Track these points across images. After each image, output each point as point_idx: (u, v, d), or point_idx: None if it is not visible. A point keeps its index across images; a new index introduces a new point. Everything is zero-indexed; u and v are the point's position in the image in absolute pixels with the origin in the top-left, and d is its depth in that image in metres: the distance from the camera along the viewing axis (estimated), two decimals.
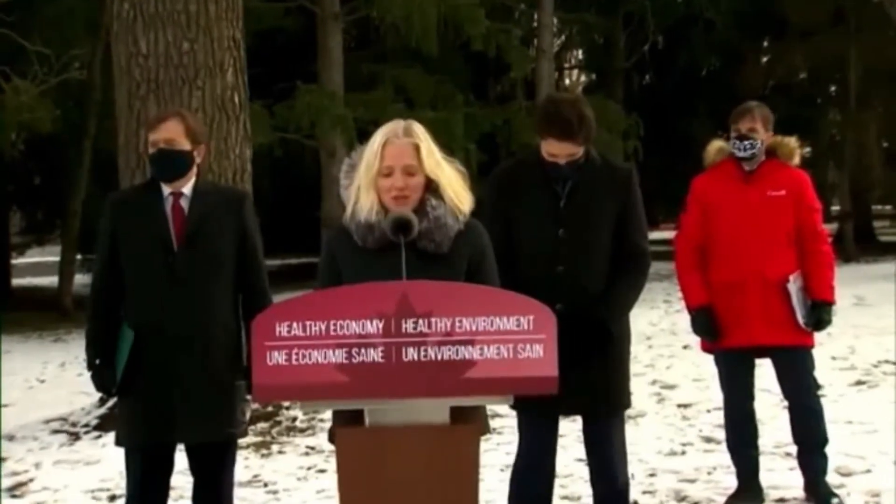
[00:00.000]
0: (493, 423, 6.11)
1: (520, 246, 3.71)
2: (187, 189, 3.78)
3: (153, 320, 3.67)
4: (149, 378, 3.67)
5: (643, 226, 3.81)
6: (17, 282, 22.41)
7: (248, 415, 4.19)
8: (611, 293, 3.67)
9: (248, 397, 3.86)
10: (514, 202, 3.74)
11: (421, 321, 2.55)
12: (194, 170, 3.81)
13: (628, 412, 3.96)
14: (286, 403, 6.76)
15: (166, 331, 3.66)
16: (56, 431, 7.13)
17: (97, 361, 3.75)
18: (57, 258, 18.91)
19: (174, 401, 3.67)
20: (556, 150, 3.65)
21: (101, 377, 3.75)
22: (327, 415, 3.35)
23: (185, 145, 3.76)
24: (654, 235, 23.31)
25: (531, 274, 3.64)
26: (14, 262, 22.82)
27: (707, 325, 4.63)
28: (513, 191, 3.76)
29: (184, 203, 3.76)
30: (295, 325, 2.54)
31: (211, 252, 3.74)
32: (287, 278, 17.10)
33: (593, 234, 3.69)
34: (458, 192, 3.07)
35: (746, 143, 4.58)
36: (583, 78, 28.13)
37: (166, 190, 3.77)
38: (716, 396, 5.29)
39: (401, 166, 2.99)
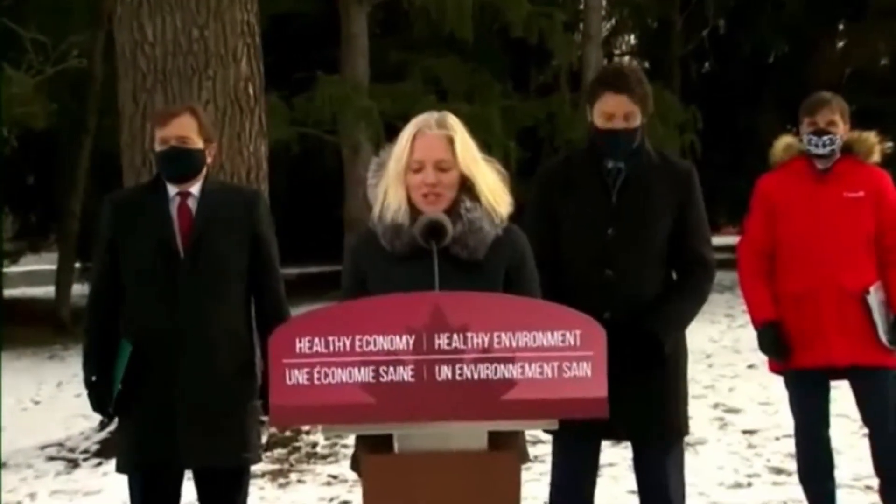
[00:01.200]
0: (532, 451, 6.10)
1: (565, 247, 3.72)
2: (195, 189, 3.82)
3: (154, 333, 3.70)
4: (149, 396, 3.70)
5: (706, 231, 3.80)
6: (9, 292, 22.55)
7: (263, 439, 4.22)
8: (665, 305, 3.66)
9: (264, 419, 3.88)
10: (560, 199, 3.75)
11: (455, 336, 2.56)
12: (205, 170, 3.85)
13: (686, 439, 3.95)
14: (306, 427, 6.78)
15: (169, 345, 3.69)
16: (52, 458, 7.19)
17: (93, 378, 3.79)
18: (53, 266, 19.07)
19: (178, 421, 3.69)
20: (612, 107, 3.67)
21: (98, 395, 3.79)
22: (351, 440, 3.36)
23: (198, 143, 3.81)
24: (715, 241, 22.98)
25: (577, 279, 3.66)
26: (6, 270, 23.03)
27: (775, 343, 4.60)
28: (559, 187, 3.77)
29: (191, 204, 3.80)
30: (316, 340, 2.56)
31: (220, 257, 3.77)
32: (306, 288, 17.15)
33: (647, 233, 3.69)
34: (495, 192, 3.07)
35: (825, 138, 4.54)
36: (635, 64, 28.06)
37: (172, 190, 3.81)
38: (786, 422, 5.25)
39: (433, 160, 2.99)
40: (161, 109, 4.68)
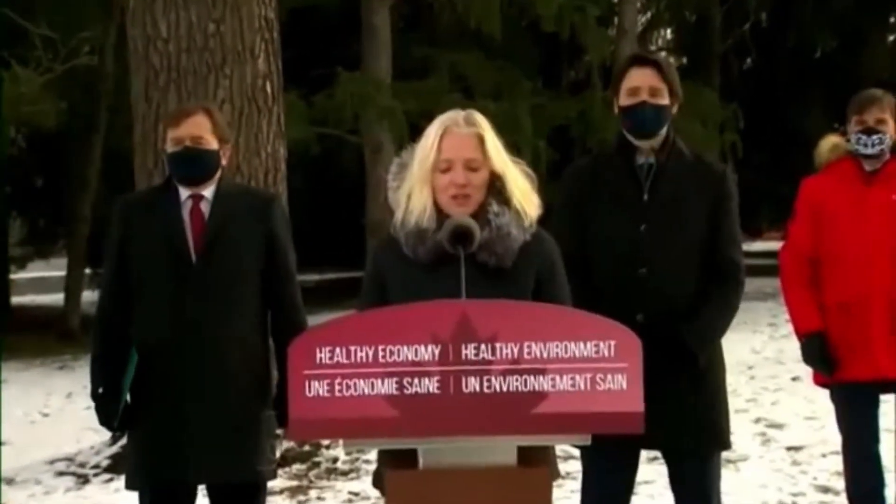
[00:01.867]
0: (563, 467, 6.09)
1: (595, 247, 3.73)
2: (209, 192, 3.84)
3: (164, 341, 3.72)
4: (159, 409, 3.73)
5: (738, 237, 3.81)
6: (16, 300, 22.78)
7: (277, 452, 4.24)
8: (698, 316, 3.66)
9: (279, 431, 3.90)
10: (588, 198, 3.77)
11: (483, 347, 2.56)
12: (219, 172, 3.87)
13: (726, 455, 3.95)
14: (326, 441, 6.80)
15: (180, 354, 3.71)
16: (61, 473, 7.24)
17: (100, 390, 3.81)
18: (62, 272, 19.20)
19: (189, 434, 3.71)
20: (638, 80, 3.71)
21: (104, 407, 3.81)
22: (373, 455, 3.37)
23: (213, 144, 3.83)
24: (757, 246, 23.11)
25: (608, 280, 3.67)
26: (13, 276, 23.21)
27: (821, 354, 4.57)
28: (587, 185, 3.79)
29: (204, 207, 3.83)
30: (338, 350, 2.57)
31: (234, 263, 3.79)
32: (326, 296, 17.20)
33: (681, 231, 3.69)
34: (525, 195, 3.08)
35: (874, 137, 4.52)
36: (672, 61, 28.00)
37: (185, 193, 3.83)
38: (832, 438, 5.23)
39: (462, 160, 3.00)
40: (174, 109, 4.71)
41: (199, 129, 3.81)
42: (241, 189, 4.19)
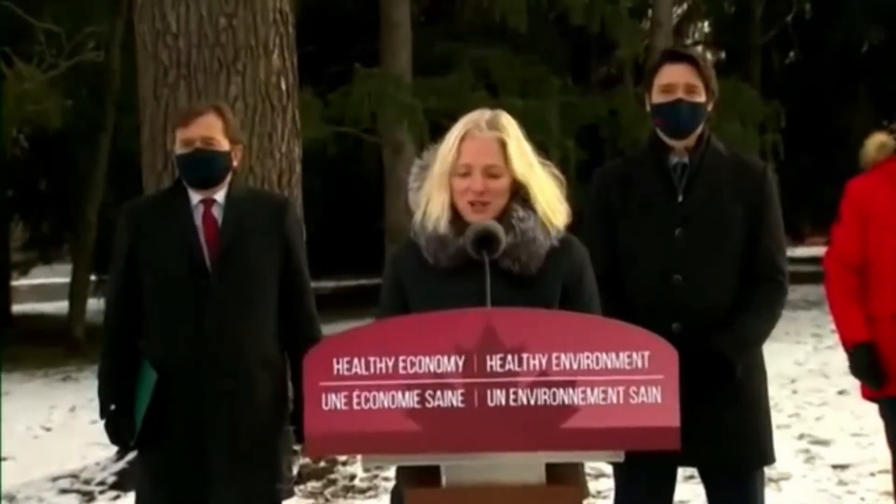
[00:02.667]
0: (594, 485, 6.08)
1: (628, 252, 3.72)
2: (220, 196, 3.85)
3: (180, 356, 3.73)
4: (175, 426, 3.74)
5: (781, 239, 3.79)
6: (18, 308, 22.91)
7: (295, 469, 4.25)
8: (736, 324, 3.64)
9: (296, 447, 3.91)
10: (619, 201, 3.76)
11: (509, 358, 2.56)
12: (230, 175, 3.88)
13: (767, 473, 3.93)
14: (343, 457, 6.81)
15: (196, 368, 3.72)
16: (65, 491, 7.26)
17: (111, 407, 3.82)
18: (66, 279, 19.30)
19: (206, 454, 3.72)
20: (672, 77, 3.70)
21: (117, 426, 3.82)
22: (392, 472, 3.37)
23: (224, 145, 3.83)
24: (800, 252, 23.00)
25: (641, 287, 3.66)
26: (15, 283, 23.34)
27: (869, 367, 4.55)
28: (618, 187, 3.78)
29: (216, 212, 3.83)
30: (356, 361, 2.57)
31: (251, 271, 3.80)
32: (343, 304, 17.23)
33: (718, 234, 3.68)
34: (551, 200, 3.08)
35: None
36: (709, 56, 27.95)
37: (195, 197, 3.84)
38: (882, 455, 5.19)
39: (481, 166, 3.00)
40: (183, 108, 4.72)
41: (211, 130, 3.81)
42: (252, 193, 4.20)
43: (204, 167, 3.81)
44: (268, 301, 3.84)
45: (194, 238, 3.79)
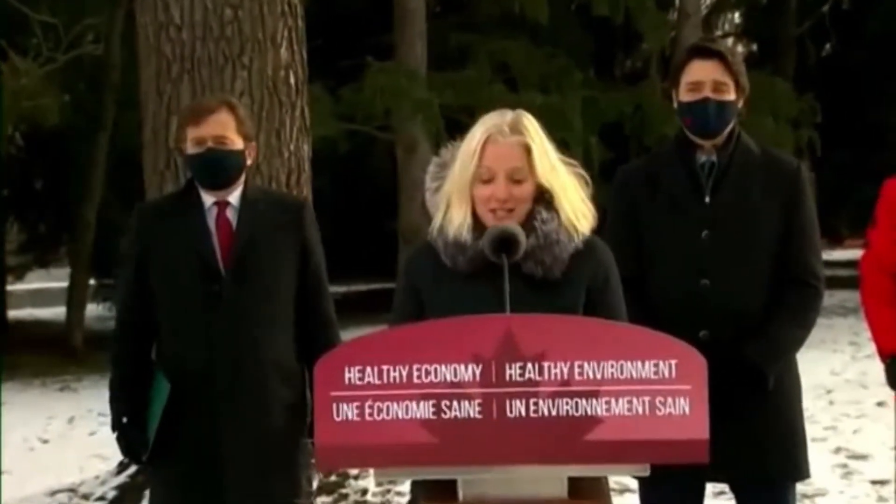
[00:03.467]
0: (618, 501, 6.06)
1: (653, 256, 3.73)
2: (234, 198, 3.86)
3: (192, 365, 3.75)
4: (189, 439, 3.75)
5: (815, 241, 3.78)
6: (13, 314, 22.98)
7: (315, 483, 4.26)
8: (768, 331, 3.64)
9: (315, 461, 3.92)
10: (644, 201, 3.77)
11: (530, 366, 2.57)
12: (244, 174, 3.90)
13: (802, 489, 3.93)
14: (354, 471, 6.82)
15: (209, 378, 3.74)
16: None
17: (123, 420, 3.84)
18: (64, 283, 19.37)
19: (221, 467, 3.74)
20: (700, 74, 3.71)
21: (129, 439, 3.84)
22: (406, 487, 3.38)
23: (237, 143, 3.84)
24: (836, 255, 22.84)
25: (667, 292, 3.67)
26: (10, 288, 23.41)
27: None
28: (643, 187, 3.79)
29: (231, 215, 3.85)
30: (369, 370, 2.58)
31: (268, 277, 3.82)
32: (355, 310, 17.22)
33: (748, 236, 3.68)
34: (575, 202, 3.08)
35: None
36: (740, 49, 27.89)
37: (208, 199, 3.85)
38: None
39: (505, 171, 3.01)
40: (193, 105, 4.70)
41: (223, 128, 3.81)
42: (268, 194, 4.20)
43: (217, 167, 3.82)
44: (284, 307, 3.85)
45: (207, 242, 3.80)
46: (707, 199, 3.71)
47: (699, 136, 3.74)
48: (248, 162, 3.91)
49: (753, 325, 3.63)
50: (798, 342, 3.74)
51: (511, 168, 3.00)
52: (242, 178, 3.89)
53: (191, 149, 3.84)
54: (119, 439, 3.86)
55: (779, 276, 3.70)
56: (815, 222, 3.79)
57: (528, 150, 3.01)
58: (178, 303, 3.79)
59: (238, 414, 3.73)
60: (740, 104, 3.78)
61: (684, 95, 3.75)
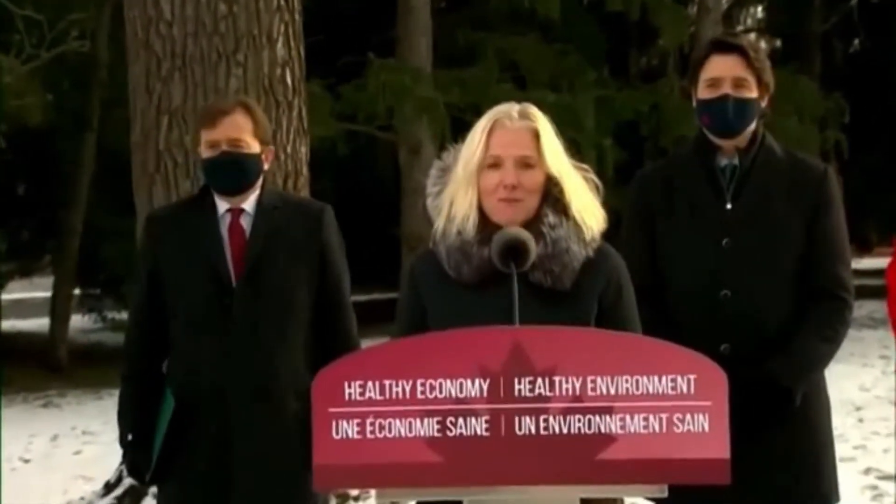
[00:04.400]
0: None
1: (670, 264, 3.73)
2: (249, 204, 3.87)
3: (203, 381, 3.76)
4: (197, 458, 3.76)
5: (844, 250, 3.77)
6: None
7: None
8: (794, 346, 3.63)
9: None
10: (661, 207, 3.77)
11: (540, 381, 2.57)
12: (261, 179, 3.90)
13: None
14: (355, 491, 6.81)
15: (220, 395, 3.75)
16: None
17: (130, 437, 3.87)
18: (48, 293, 19.37)
19: (232, 488, 3.75)
20: (719, 70, 3.70)
21: (133, 458, 3.87)
22: None
23: (254, 147, 3.84)
24: (865, 263, 22.76)
25: (685, 303, 3.66)
26: None
27: None
28: (660, 192, 3.79)
29: (245, 222, 3.85)
30: (370, 385, 2.58)
31: (283, 289, 3.82)
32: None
33: (772, 244, 3.68)
34: (586, 206, 3.07)
35: None
36: (763, 45, 27.90)
37: (222, 205, 3.86)
38: None
39: (513, 157, 3.00)
40: (208, 106, 4.68)
41: (239, 131, 3.81)
42: (286, 199, 4.13)
43: (231, 172, 3.81)
44: (300, 321, 3.85)
45: (219, 252, 3.81)
46: (728, 205, 3.71)
47: (718, 136, 3.73)
48: (265, 166, 3.91)
49: (777, 339, 3.62)
50: (826, 358, 3.72)
51: (520, 155, 3.00)
52: (259, 184, 3.89)
53: (205, 152, 3.85)
54: (124, 457, 3.90)
55: (805, 287, 3.69)
56: (844, 230, 3.78)
57: (536, 136, 3.01)
58: (190, 317, 3.80)
59: (250, 435, 3.74)
60: (764, 103, 3.76)
61: (703, 93, 3.74)
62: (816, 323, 3.67)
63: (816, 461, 3.72)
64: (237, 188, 3.84)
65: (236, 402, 3.73)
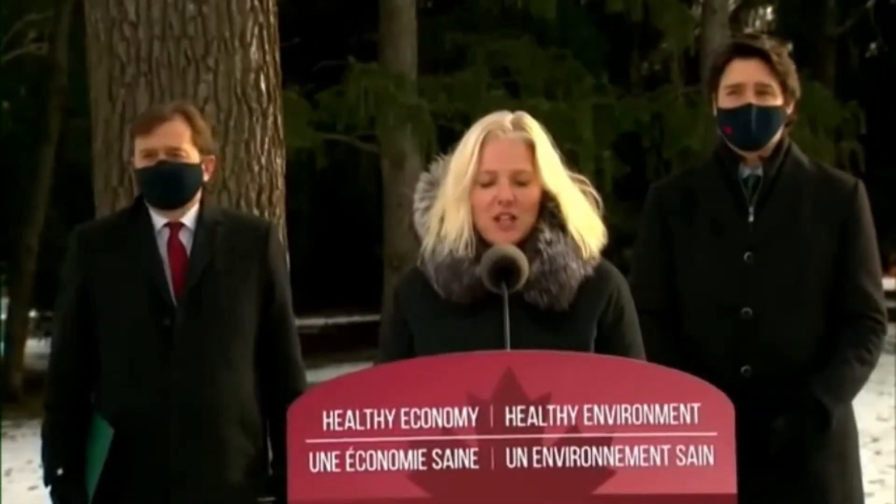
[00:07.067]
0: None
1: (689, 280, 3.73)
2: (189, 219, 3.86)
3: (140, 410, 3.73)
4: (134, 492, 3.74)
5: (875, 269, 3.77)
6: None
7: None
8: (829, 367, 3.63)
9: None
10: (679, 220, 3.77)
11: (533, 410, 2.57)
12: (200, 192, 3.90)
13: None
14: None
15: (159, 425, 3.72)
16: None
17: (59, 471, 3.82)
18: (2, 316, 19.33)
19: None
20: (741, 76, 3.70)
21: (66, 493, 3.82)
22: None
23: (193, 156, 3.84)
24: (884, 283, 22.68)
25: (704, 322, 3.66)
26: None
27: None
28: (678, 204, 3.79)
29: (185, 238, 3.84)
30: (350, 414, 2.59)
31: (226, 311, 3.81)
32: (334, 345, 17.22)
33: (797, 260, 3.68)
34: (584, 218, 3.08)
35: None
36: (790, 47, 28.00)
37: (159, 220, 3.85)
38: None
39: (508, 171, 3.01)
40: (144, 113, 4.71)
41: (177, 139, 3.81)
42: (229, 215, 4.15)
43: (169, 184, 3.81)
44: (244, 345, 3.84)
45: (157, 270, 3.79)
46: (751, 218, 3.71)
47: (741, 147, 3.73)
48: (206, 178, 3.91)
49: (801, 361, 3.62)
50: (862, 381, 3.72)
51: (514, 169, 3.00)
52: (198, 197, 3.88)
53: (140, 162, 3.84)
54: (53, 493, 3.84)
55: (834, 308, 3.69)
56: (875, 249, 3.77)
57: (532, 148, 3.02)
58: (125, 340, 3.78)
59: (191, 466, 3.72)
60: (789, 110, 3.76)
61: (724, 101, 3.74)
62: (850, 346, 3.66)
63: (843, 490, 3.70)
64: (175, 201, 3.83)
65: (176, 431, 3.72)
